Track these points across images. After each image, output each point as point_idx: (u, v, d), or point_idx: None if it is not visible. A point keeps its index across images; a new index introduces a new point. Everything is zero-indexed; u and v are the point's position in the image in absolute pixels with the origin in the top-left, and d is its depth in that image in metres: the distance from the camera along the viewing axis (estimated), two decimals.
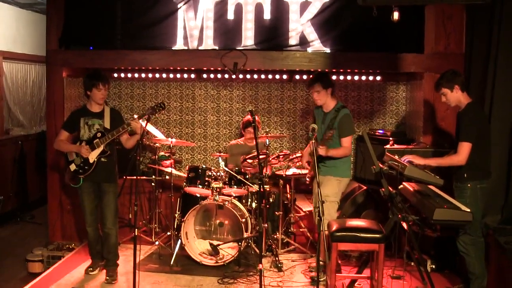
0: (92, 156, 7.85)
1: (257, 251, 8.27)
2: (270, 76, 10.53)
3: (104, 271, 8.18)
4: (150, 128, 9.08)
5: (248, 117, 9.69)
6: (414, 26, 9.14)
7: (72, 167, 7.96)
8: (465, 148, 6.85)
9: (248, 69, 9.62)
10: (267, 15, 9.45)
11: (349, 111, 8.07)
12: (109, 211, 7.98)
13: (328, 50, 9.36)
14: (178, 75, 10.70)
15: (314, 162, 6.75)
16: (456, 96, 7.12)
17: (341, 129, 7.82)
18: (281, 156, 9.16)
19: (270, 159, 9.07)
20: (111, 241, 8.06)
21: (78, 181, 7.94)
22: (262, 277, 6.64)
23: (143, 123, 7.52)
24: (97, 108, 8.00)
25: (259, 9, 9.45)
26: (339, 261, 8.23)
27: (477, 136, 6.88)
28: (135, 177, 7.88)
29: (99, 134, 7.84)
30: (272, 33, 9.48)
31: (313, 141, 6.88)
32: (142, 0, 9.71)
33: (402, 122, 10.36)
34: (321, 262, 7.85)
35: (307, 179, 8.50)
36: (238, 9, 9.50)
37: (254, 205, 8.91)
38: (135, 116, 7.73)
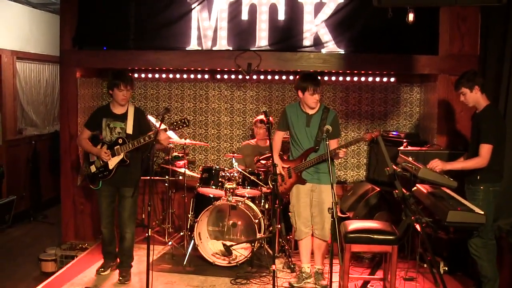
0: (112, 163, 7.82)
1: (270, 252, 8.27)
2: (284, 77, 10.51)
3: (116, 271, 8.22)
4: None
5: (261, 116, 9.70)
6: (428, 28, 9.10)
7: (93, 168, 7.95)
8: (487, 150, 6.81)
9: (262, 70, 9.62)
10: (281, 16, 9.43)
11: None
12: (127, 215, 7.97)
13: (342, 51, 9.34)
14: (192, 76, 10.67)
15: (329, 167, 6.69)
16: (475, 97, 7.08)
17: (334, 131, 7.53)
18: None
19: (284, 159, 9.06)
20: (127, 243, 8.07)
21: (98, 184, 7.95)
22: (275, 278, 6.64)
23: (157, 123, 7.49)
24: (120, 109, 7.94)
25: (273, 9, 9.43)
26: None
27: (496, 138, 6.86)
28: (148, 178, 7.88)
29: (120, 140, 7.78)
30: (286, 34, 9.45)
31: (327, 142, 6.84)
32: (156, 0, 9.72)
33: (416, 124, 10.32)
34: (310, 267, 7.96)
35: (281, 183, 8.10)
36: (252, 9, 9.48)
37: (267, 205, 8.90)
38: (161, 126, 7.59)
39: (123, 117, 7.92)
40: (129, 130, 7.87)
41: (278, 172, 7.77)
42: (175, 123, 7.60)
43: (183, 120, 7.57)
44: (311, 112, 7.81)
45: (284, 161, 8.08)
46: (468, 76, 7.12)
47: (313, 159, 7.66)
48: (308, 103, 7.70)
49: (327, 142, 6.82)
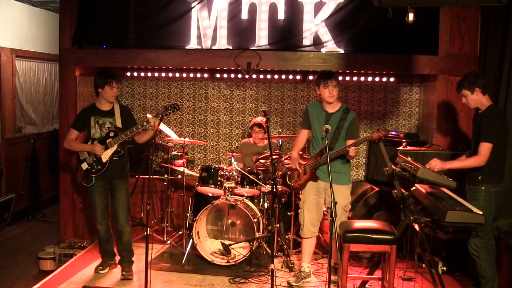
0: (105, 156, 7.84)
1: (269, 251, 8.29)
2: (283, 77, 10.53)
3: (115, 269, 8.25)
4: (163, 127, 9.07)
5: (256, 119, 9.75)
6: (428, 28, 9.11)
7: (84, 166, 7.94)
8: (486, 149, 6.82)
9: (262, 69, 9.64)
10: (281, 15, 9.44)
11: None
12: (122, 208, 7.99)
13: (342, 51, 9.35)
14: (192, 75, 10.70)
15: (328, 165, 6.67)
16: (476, 99, 7.09)
17: (352, 132, 7.68)
18: None
19: (283, 159, 9.05)
20: (125, 238, 8.07)
21: (90, 180, 7.93)
22: (274, 277, 6.63)
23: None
24: (107, 106, 7.98)
25: (273, 9, 9.44)
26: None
27: (497, 138, 6.86)
28: (147, 176, 7.88)
29: (112, 133, 7.83)
30: (286, 33, 9.47)
31: (327, 142, 6.83)
32: None
33: (416, 124, 10.32)
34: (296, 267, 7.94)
35: (296, 179, 8.15)
36: (252, 9, 9.50)
37: (266, 205, 8.90)
38: (149, 116, 7.70)
39: (111, 113, 7.98)
40: (119, 124, 7.95)
41: (294, 167, 7.97)
42: (165, 109, 7.56)
43: (173, 105, 7.55)
44: (330, 110, 7.81)
45: (303, 159, 8.08)
46: (469, 78, 7.13)
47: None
48: (324, 97, 7.72)
49: (327, 142, 6.80)
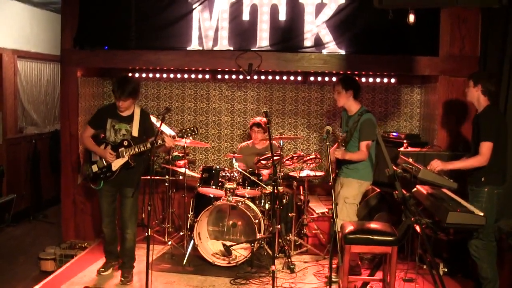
0: (116, 165, 7.75)
1: (270, 252, 8.28)
2: (284, 78, 10.55)
3: (118, 271, 8.21)
4: (165, 128, 9.04)
5: (255, 119, 9.77)
6: (429, 29, 9.11)
7: (95, 168, 7.89)
8: (486, 148, 6.81)
9: (263, 70, 9.65)
10: (282, 16, 9.45)
11: (372, 116, 7.96)
12: (129, 216, 7.94)
13: (343, 52, 9.36)
14: (193, 76, 10.71)
15: (329, 164, 6.71)
16: (474, 94, 7.12)
17: (360, 133, 7.77)
18: (295, 158, 9.14)
19: (284, 160, 9.06)
20: (129, 244, 8.05)
21: (99, 184, 7.91)
22: (275, 278, 6.65)
23: (157, 123, 7.46)
24: (126, 111, 7.86)
25: (274, 10, 9.45)
26: (359, 263, 8.22)
27: (496, 137, 6.86)
28: (149, 177, 7.87)
29: (125, 143, 7.71)
30: (287, 35, 9.48)
31: (328, 143, 6.86)
32: (157, 0, 9.72)
33: (417, 125, 10.32)
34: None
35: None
36: (254, 10, 9.50)
37: (267, 206, 8.90)
38: (170, 132, 7.56)
39: (129, 119, 7.83)
40: (135, 133, 7.78)
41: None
42: (184, 131, 7.56)
43: (192, 129, 7.53)
44: (349, 114, 8.10)
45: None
46: (481, 74, 7.40)
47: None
48: None
49: (327, 143, 6.83)
